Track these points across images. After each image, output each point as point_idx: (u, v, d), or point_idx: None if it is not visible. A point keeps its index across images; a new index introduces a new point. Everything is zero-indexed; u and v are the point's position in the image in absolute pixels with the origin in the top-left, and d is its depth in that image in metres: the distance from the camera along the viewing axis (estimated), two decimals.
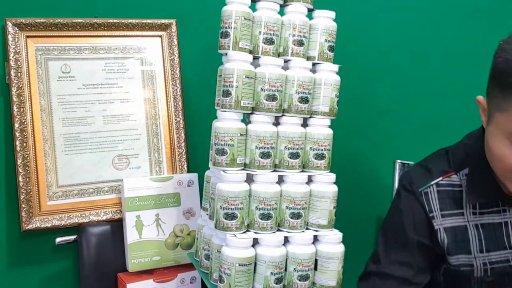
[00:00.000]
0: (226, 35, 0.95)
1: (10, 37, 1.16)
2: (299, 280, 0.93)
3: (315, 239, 0.96)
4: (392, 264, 0.98)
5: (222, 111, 0.94)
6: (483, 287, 0.96)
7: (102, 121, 1.23)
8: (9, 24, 1.16)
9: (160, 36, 1.30)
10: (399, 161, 1.39)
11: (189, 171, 1.30)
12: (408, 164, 1.39)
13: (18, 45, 1.17)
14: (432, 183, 0.98)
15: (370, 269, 1.00)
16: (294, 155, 0.96)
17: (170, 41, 1.30)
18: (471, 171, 0.96)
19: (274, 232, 0.95)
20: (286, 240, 0.95)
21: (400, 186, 1.03)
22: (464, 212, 0.96)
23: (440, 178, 0.98)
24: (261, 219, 0.93)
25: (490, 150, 0.87)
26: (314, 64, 1.00)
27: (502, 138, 0.83)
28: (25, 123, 1.16)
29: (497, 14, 1.58)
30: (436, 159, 1.02)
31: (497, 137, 0.84)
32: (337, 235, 0.96)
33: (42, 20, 1.18)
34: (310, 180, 0.98)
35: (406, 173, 1.06)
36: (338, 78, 1.00)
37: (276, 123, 0.97)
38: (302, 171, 0.98)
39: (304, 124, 0.99)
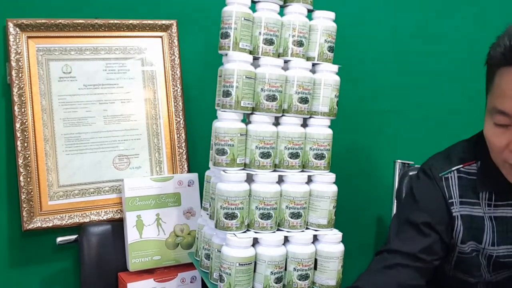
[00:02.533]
0: (226, 35, 0.95)
1: (11, 37, 1.16)
2: (299, 280, 0.93)
3: (315, 238, 0.97)
4: (400, 241, 0.97)
5: (222, 111, 0.94)
6: (489, 275, 0.98)
7: (102, 121, 1.24)
8: (10, 24, 1.16)
9: (161, 37, 1.30)
10: (399, 161, 1.40)
11: (189, 171, 1.31)
12: (408, 164, 1.39)
13: (19, 46, 1.17)
14: (453, 169, 0.98)
15: (382, 248, 1.01)
16: (294, 155, 0.96)
17: (170, 41, 1.30)
18: (482, 162, 0.96)
19: (274, 232, 0.95)
20: (286, 239, 0.95)
21: (420, 171, 1.03)
22: (480, 203, 0.96)
23: (461, 165, 0.98)
24: (261, 218, 0.93)
25: (486, 137, 0.90)
26: (313, 65, 1.01)
27: (489, 120, 0.87)
28: (26, 123, 1.17)
29: (497, 15, 1.58)
30: (457, 149, 1.03)
31: (486, 120, 0.88)
32: (336, 234, 0.97)
33: (43, 21, 1.19)
34: (310, 180, 0.98)
35: (428, 159, 1.05)
36: (337, 78, 1.00)
37: (276, 123, 0.98)
38: (302, 171, 0.98)
39: (304, 124, 1.00)
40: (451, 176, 0.97)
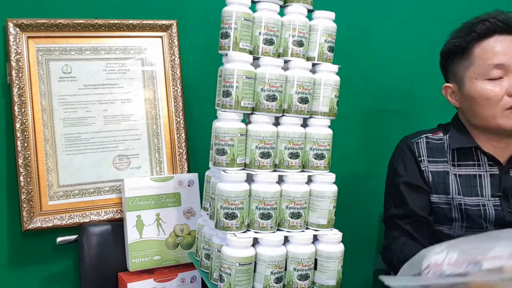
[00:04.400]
0: (226, 35, 0.95)
1: (11, 37, 1.16)
2: (299, 280, 0.93)
3: (315, 238, 0.97)
4: (395, 206, 1.18)
5: (222, 111, 0.94)
6: (462, 229, 1.14)
7: (102, 121, 1.24)
8: (10, 24, 1.16)
9: (161, 37, 1.30)
10: None
11: (189, 171, 1.31)
12: None
13: (19, 46, 1.17)
14: (422, 136, 1.19)
15: (387, 213, 1.20)
16: (294, 155, 0.96)
17: (170, 41, 1.30)
18: (453, 131, 1.19)
19: (274, 232, 0.95)
20: (286, 239, 0.95)
21: (396, 146, 1.23)
22: (447, 161, 1.16)
23: (430, 134, 1.20)
24: (261, 218, 0.93)
25: (476, 101, 1.09)
26: (314, 65, 1.00)
27: (481, 83, 1.08)
28: (26, 123, 1.17)
29: None
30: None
31: (476, 86, 1.08)
32: (336, 234, 0.97)
33: (43, 21, 1.19)
34: (310, 180, 0.98)
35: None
36: (337, 78, 1.00)
37: (276, 123, 0.98)
38: (302, 171, 0.98)
39: (304, 124, 0.99)
40: (420, 141, 1.18)
